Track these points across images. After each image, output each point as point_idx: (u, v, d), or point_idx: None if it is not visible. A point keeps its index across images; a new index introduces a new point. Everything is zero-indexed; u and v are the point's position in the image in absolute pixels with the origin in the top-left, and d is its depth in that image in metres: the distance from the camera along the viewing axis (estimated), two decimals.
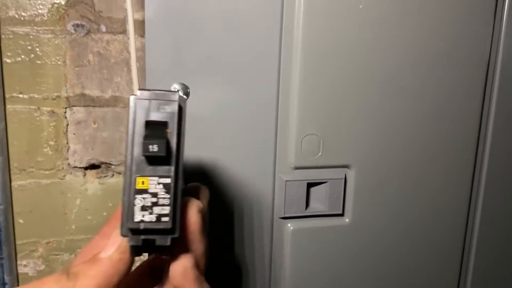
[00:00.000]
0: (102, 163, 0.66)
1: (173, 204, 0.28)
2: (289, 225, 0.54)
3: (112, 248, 0.29)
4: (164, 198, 0.28)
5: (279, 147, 0.53)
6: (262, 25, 0.49)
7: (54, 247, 0.66)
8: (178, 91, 0.30)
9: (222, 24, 0.48)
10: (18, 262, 0.65)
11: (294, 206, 0.53)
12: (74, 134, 0.64)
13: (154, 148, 0.27)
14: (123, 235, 0.29)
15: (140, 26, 0.62)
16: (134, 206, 0.28)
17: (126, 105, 0.65)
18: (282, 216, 0.53)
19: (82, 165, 0.65)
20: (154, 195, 0.28)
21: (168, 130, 0.29)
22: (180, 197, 0.29)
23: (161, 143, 0.27)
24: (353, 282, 0.57)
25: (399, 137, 0.55)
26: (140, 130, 0.28)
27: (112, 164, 0.66)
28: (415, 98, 0.54)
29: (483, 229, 0.61)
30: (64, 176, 0.65)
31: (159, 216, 0.28)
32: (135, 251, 0.30)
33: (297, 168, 0.53)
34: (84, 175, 0.66)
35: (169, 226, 0.28)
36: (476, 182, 0.60)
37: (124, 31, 0.63)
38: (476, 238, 0.61)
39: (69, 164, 0.65)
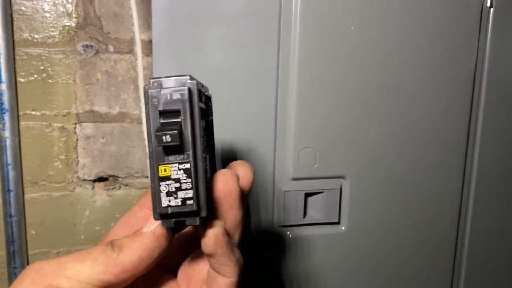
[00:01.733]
0: (110, 176, 0.69)
1: (196, 187, 0.30)
2: (288, 233, 0.57)
3: (155, 224, 0.31)
4: (186, 182, 0.29)
5: (277, 159, 0.56)
6: (260, 45, 0.53)
7: None
8: (188, 75, 0.30)
9: (224, 46, 0.52)
10: None
11: (292, 215, 0.57)
12: (83, 148, 0.67)
13: (167, 138, 0.28)
14: (156, 219, 0.30)
15: (146, 46, 0.66)
16: (160, 193, 0.29)
17: (133, 121, 0.68)
18: (282, 224, 0.57)
19: (91, 178, 0.68)
20: (177, 180, 0.29)
21: (181, 118, 0.29)
22: (203, 179, 0.30)
23: (173, 133, 0.28)
24: (350, 287, 0.60)
25: (391, 149, 0.58)
26: (155, 120, 0.29)
27: (119, 177, 0.69)
28: (406, 112, 0.58)
29: (473, 234, 0.64)
30: (73, 188, 0.68)
31: (184, 200, 0.29)
32: (173, 230, 0.31)
33: (295, 179, 0.56)
34: (93, 188, 0.69)
35: (194, 208, 0.29)
36: (466, 190, 0.63)
37: (130, 51, 0.67)
38: (468, 243, 0.64)
39: (78, 177, 0.68)
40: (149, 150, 0.30)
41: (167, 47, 0.50)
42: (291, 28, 0.53)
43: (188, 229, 0.37)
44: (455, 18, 0.58)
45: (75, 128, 0.67)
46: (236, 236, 0.34)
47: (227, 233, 0.32)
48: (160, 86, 0.29)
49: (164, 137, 0.28)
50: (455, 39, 0.59)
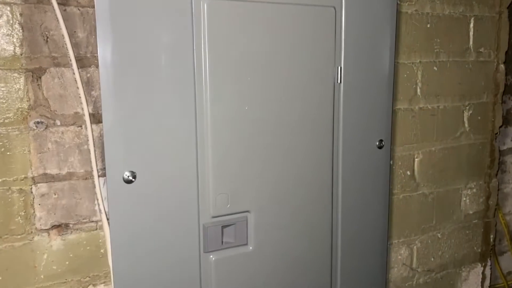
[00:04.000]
0: (63, 223, 0.85)
1: None
2: (211, 256, 0.78)
3: None
4: None
5: (200, 203, 0.77)
6: (181, 125, 0.73)
7: None
8: None
9: (158, 126, 0.72)
10: None
11: (213, 243, 0.78)
12: (39, 204, 0.82)
13: None
14: None
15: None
16: None
17: (79, 178, 0.85)
18: (207, 250, 0.78)
19: (46, 228, 0.84)
20: None
21: None
22: None
23: None
24: None
25: (282, 187, 0.82)
26: None
27: (70, 224, 0.85)
28: (294, 158, 0.82)
29: (344, 252, 0.91)
30: (33, 238, 0.83)
31: None
32: None
33: (214, 217, 0.78)
34: (49, 235, 0.84)
35: None
36: (335, 208, 0.89)
37: (74, 123, 0.83)
38: (340, 248, 0.91)
39: (36, 228, 0.83)
40: None
41: (116, 135, 0.69)
42: (202, 95, 0.74)
43: None
44: (314, 92, 0.83)
45: (31, 188, 0.82)
46: None
47: None
48: None
49: None
50: (316, 106, 0.84)
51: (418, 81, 1.12)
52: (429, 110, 1.15)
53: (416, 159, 1.16)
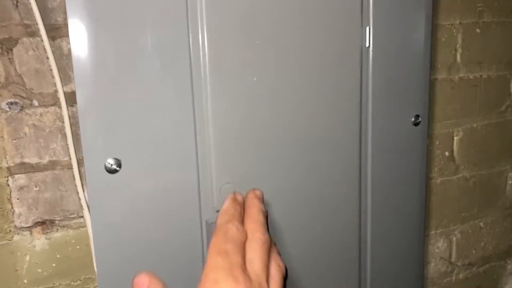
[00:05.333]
0: (47, 220, 0.73)
1: None
2: None
3: None
4: None
5: (202, 195, 0.64)
6: (176, 101, 0.60)
7: None
8: None
9: (144, 103, 0.59)
10: None
11: None
12: (17, 199, 0.71)
13: None
14: None
15: (69, 97, 0.71)
16: None
17: (64, 167, 0.73)
18: None
19: (28, 225, 0.72)
20: None
21: None
22: None
23: None
24: None
25: (300, 176, 0.69)
26: None
27: (56, 220, 0.74)
28: (310, 148, 0.68)
29: (374, 245, 0.77)
30: (12, 237, 0.72)
31: None
32: None
33: (218, 211, 0.64)
34: (31, 233, 0.73)
35: None
36: (364, 197, 0.75)
37: (55, 103, 0.71)
38: (370, 251, 0.77)
39: (15, 226, 0.72)
40: None
41: (93, 116, 0.56)
42: (201, 89, 0.61)
43: None
44: (337, 58, 0.69)
45: (7, 180, 0.70)
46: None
47: None
48: None
49: None
50: (340, 75, 0.70)
51: (458, 46, 0.97)
52: (470, 80, 1.01)
53: (455, 138, 1.02)
